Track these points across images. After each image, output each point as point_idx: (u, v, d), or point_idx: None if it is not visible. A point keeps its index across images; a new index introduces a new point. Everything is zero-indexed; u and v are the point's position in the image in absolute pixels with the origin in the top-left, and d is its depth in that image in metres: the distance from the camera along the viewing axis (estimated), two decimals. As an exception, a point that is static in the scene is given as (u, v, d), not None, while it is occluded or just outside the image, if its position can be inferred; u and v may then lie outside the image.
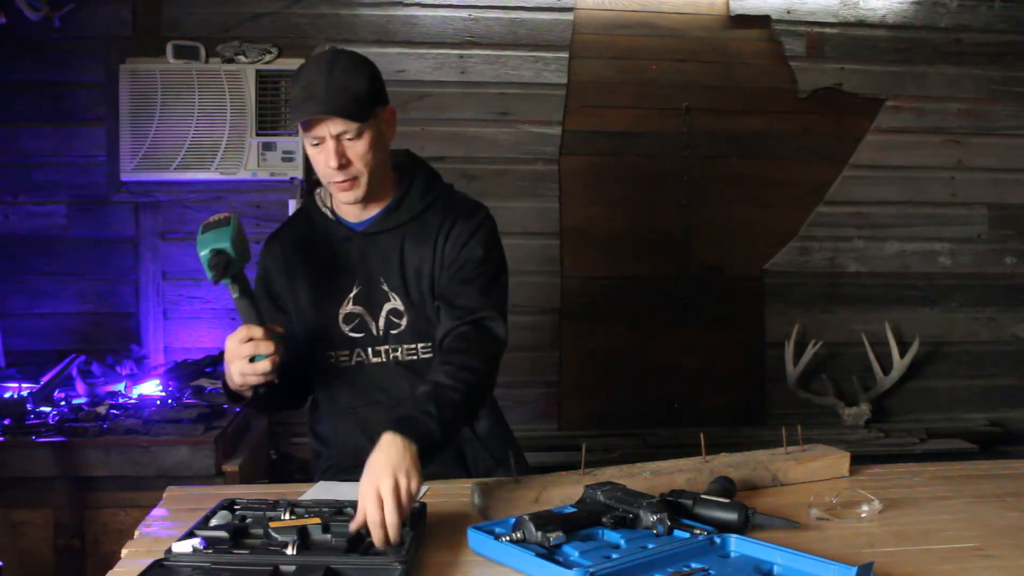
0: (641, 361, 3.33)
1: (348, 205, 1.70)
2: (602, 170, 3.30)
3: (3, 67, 3.01)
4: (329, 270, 1.74)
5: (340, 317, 1.73)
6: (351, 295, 1.73)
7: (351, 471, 1.73)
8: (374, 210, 1.74)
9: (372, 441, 1.63)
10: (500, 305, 1.71)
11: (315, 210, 1.78)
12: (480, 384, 1.56)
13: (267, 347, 1.45)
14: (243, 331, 1.46)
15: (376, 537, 1.22)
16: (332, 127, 1.58)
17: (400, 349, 1.72)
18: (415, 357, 1.72)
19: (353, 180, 1.63)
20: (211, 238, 1.44)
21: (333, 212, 1.77)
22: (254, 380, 1.48)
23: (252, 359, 1.46)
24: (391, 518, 1.22)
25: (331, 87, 1.56)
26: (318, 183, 1.79)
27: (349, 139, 1.60)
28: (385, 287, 1.72)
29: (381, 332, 1.72)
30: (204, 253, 1.43)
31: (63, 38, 2.99)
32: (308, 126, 1.59)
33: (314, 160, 1.64)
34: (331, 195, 1.77)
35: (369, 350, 1.73)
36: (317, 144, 1.61)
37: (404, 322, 1.72)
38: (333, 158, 1.59)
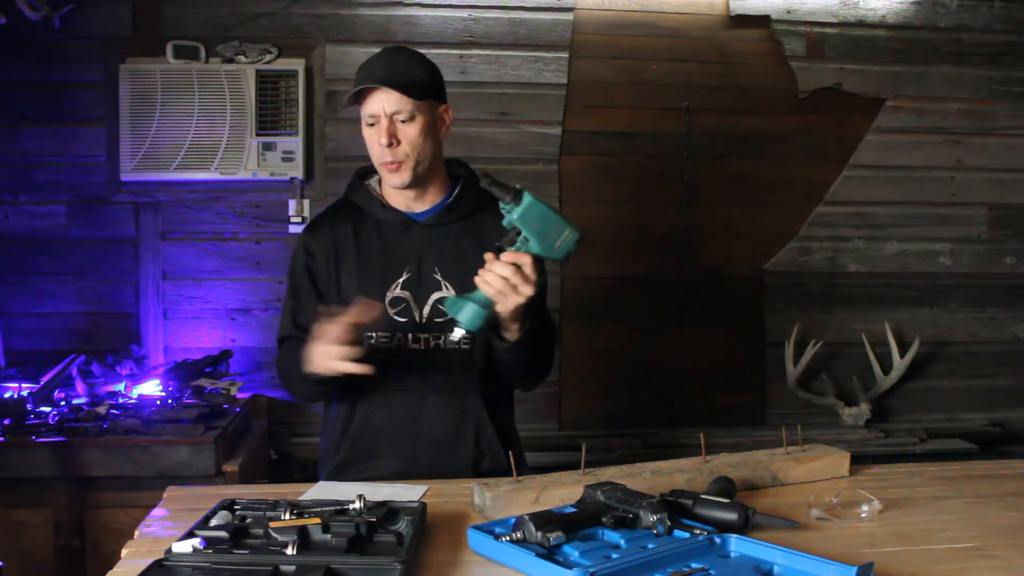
0: (641, 361, 3.33)
1: (396, 190, 1.78)
2: (602, 170, 3.30)
3: (3, 67, 3.00)
4: (380, 254, 1.79)
5: (387, 300, 1.77)
6: (400, 280, 1.78)
7: (366, 460, 1.74)
8: (430, 203, 1.81)
9: (396, 425, 1.64)
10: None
11: (364, 198, 1.83)
12: (546, 353, 1.79)
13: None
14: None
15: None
16: (387, 104, 1.68)
17: (442, 338, 1.76)
18: (455, 347, 1.75)
19: (400, 163, 1.71)
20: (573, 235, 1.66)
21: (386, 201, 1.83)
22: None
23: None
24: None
25: (391, 68, 1.69)
26: (366, 174, 1.87)
27: (402, 120, 1.69)
28: (438, 276, 1.77)
29: (425, 319, 1.76)
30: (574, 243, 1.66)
31: (63, 38, 2.99)
32: (364, 102, 1.69)
33: (369, 142, 1.73)
34: (380, 183, 1.84)
35: (409, 336, 1.76)
36: (372, 124, 1.70)
37: None
38: (384, 136, 1.68)
